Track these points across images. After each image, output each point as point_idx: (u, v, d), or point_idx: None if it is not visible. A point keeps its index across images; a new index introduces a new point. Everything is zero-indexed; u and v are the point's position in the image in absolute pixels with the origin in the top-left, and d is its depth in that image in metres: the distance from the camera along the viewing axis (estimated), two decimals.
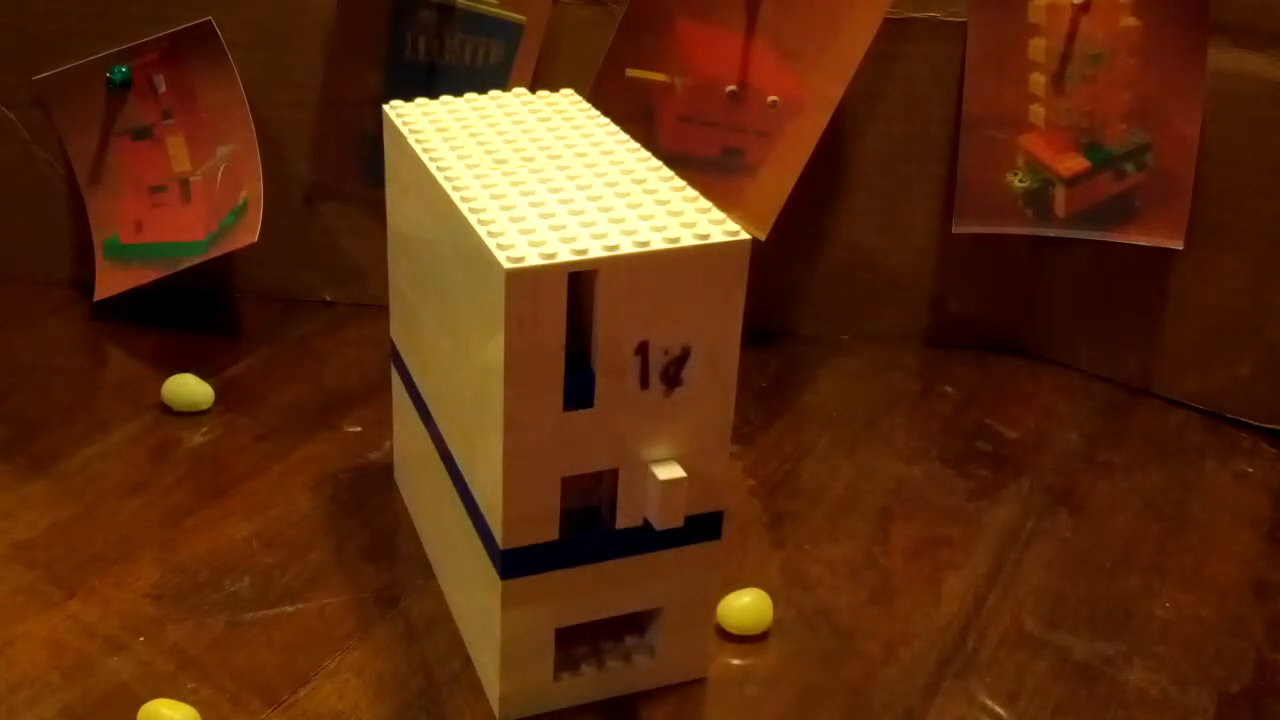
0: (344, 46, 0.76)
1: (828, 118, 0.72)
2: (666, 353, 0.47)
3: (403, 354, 0.61)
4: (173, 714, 0.51)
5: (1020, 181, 0.74)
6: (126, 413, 0.71)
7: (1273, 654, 0.57)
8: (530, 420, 0.47)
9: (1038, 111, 0.73)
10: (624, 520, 0.50)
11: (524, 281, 0.44)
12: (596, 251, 0.45)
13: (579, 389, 0.47)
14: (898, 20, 0.72)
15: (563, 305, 0.45)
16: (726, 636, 0.57)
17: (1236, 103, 0.69)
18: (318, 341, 0.78)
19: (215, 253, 0.75)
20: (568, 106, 0.58)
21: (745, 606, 0.57)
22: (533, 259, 0.45)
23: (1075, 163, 0.73)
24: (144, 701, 0.51)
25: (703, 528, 0.51)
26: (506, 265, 0.44)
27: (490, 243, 0.45)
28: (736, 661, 0.56)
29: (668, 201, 0.49)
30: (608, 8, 0.74)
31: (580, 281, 0.46)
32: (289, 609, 0.58)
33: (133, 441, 0.68)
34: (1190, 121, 0.70)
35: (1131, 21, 0.70)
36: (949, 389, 0.76)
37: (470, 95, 0.58)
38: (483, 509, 0.50)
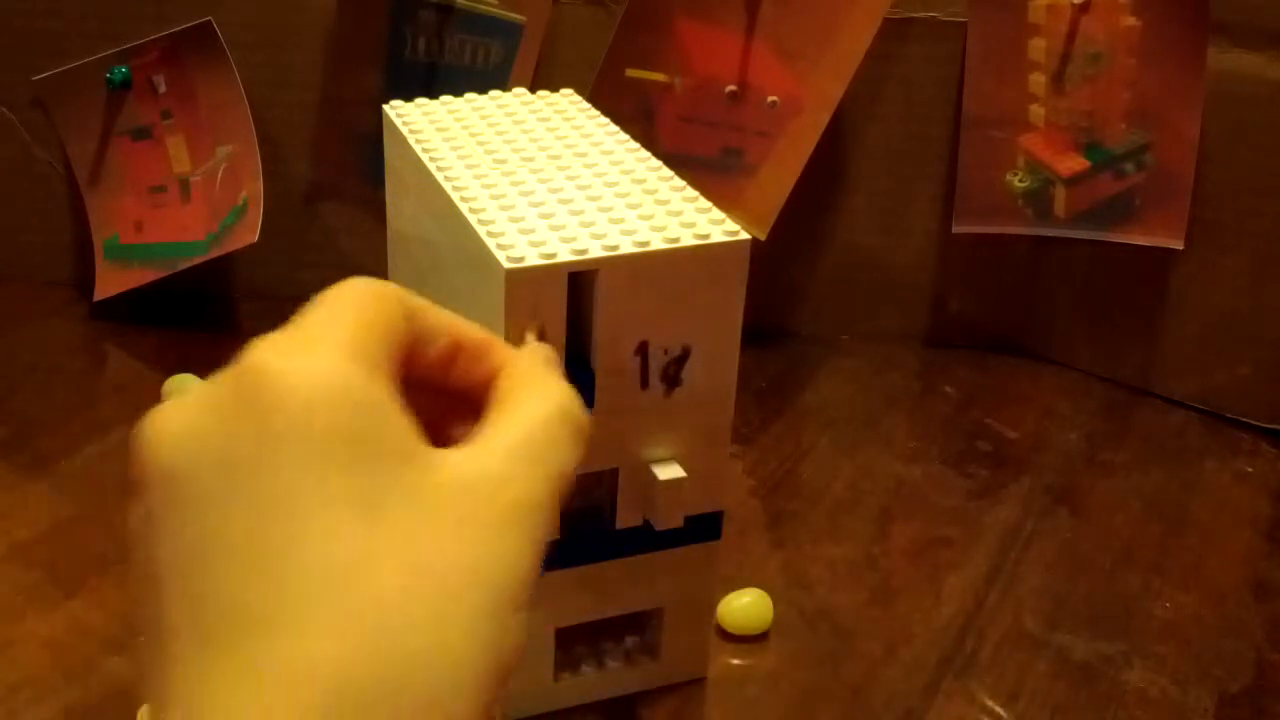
0: (344, 46, 0.76)
1: (828, 118, 0.72)
2: (666, 353, 0.47)
3: None
4: None
5: (1020, 181, 0.74)
6: (126, 413, 0.70)
7: (1273, 654, 0.57)
8: None
9: (1038, 111, 0.73)
10: (624, 520, 0.50)
11: (524, 281, 0.44)
12: (596, 251, 0.45)
13: (579, 389, 0.47)
14: (898, 20, 0.72)
15: (563, 305, 0.45)
16: (726, 636, 0.57)
17: (1236, 103, 0.69)
18: None
19: (215, 253, 0.75)
20: (568, 106, 0.58)
21: (745, 606, 0.57)
22: (533, 259, 0.45)
23: (1075, 163, 0.73)
24: (144, 702, 0.51)
25: (703, 528, 0.51)
26: (507, 265, 0.44)
27: (490, 243, 0.45)
28: (736, 661, 0.56)
29: (667, 201, 0.49)
30: (608, 8, 0.74)
31: (580, 281, 0.46)
32: None
33: (133, 442, 0.68)
34: (1190, 121, 0.70)
35: (1131, 21, 0.70)
36: (949, 389, 0.76)
37: (470, 95, 0.58)
38: None
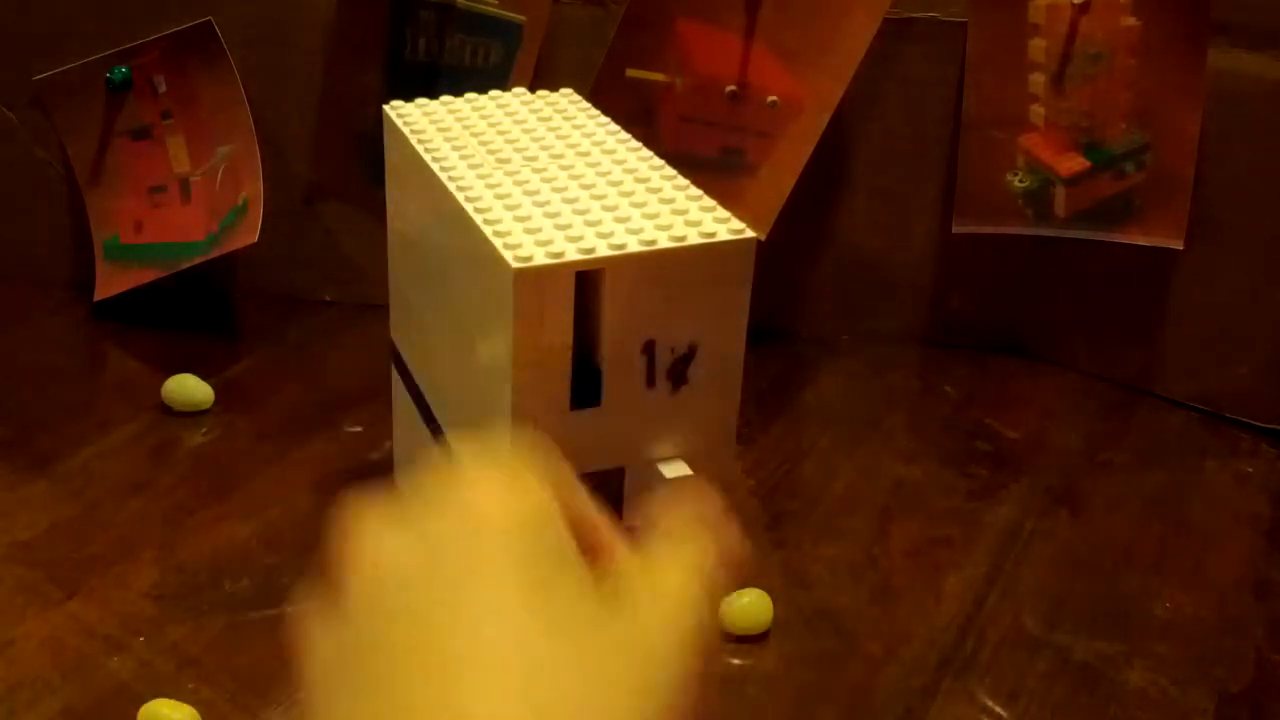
0: (344, 46, 0.76)
1: (828, 118, 0.72)
2: (673, 351, 0.47)
3: (403, 354, 0.61)
4: (173, 714, 0.51)
5: (1020, 181, 0.74)
6: (126, 413, 0.70)
7: (1273, 654, 0.57)
8: (537, 420, 0.47)
9: (1038, 111, 0.73)
10: (630, 518, 0.50)
11: (532, 281, 0.44)
12: (603, 250, 0.45)
13: (586, 388, 0.47)
14: (898, 20, 0.72)
15: (570, 304, 0.45)
16: (726, 636, 0.57)
17: (1236, 103, 0.69)
18: (318, 341, 0.78)
19: (215, 253, 0.75)
20: (568, 106, 0.58)
21: (745, 606, 0.57)
22: (540, 258, 0.45)
23: (1075, 163, 0.73)
24: (144, 701, 0.51)
25: None
26: (514, 265, 0.44)
27: (497, 242, 0.45)
28: (736, 661, 0.56)
29: (672, 200, 0.49)
30: (607, 8, 0.74)
31: (586, 280, 0.46)
32: (289, 609, 0.57)
33: (133, 441, 0.68)
34: (1190, 121, 0.70)
35: (1131, 21, 0.70)
36: (949, 389, 0.76)
37: (470, 95, 0.58)
38: None
